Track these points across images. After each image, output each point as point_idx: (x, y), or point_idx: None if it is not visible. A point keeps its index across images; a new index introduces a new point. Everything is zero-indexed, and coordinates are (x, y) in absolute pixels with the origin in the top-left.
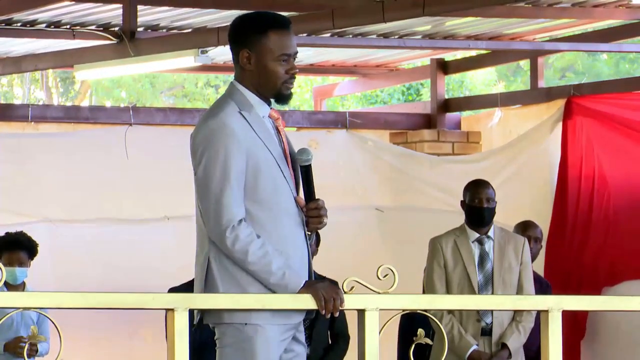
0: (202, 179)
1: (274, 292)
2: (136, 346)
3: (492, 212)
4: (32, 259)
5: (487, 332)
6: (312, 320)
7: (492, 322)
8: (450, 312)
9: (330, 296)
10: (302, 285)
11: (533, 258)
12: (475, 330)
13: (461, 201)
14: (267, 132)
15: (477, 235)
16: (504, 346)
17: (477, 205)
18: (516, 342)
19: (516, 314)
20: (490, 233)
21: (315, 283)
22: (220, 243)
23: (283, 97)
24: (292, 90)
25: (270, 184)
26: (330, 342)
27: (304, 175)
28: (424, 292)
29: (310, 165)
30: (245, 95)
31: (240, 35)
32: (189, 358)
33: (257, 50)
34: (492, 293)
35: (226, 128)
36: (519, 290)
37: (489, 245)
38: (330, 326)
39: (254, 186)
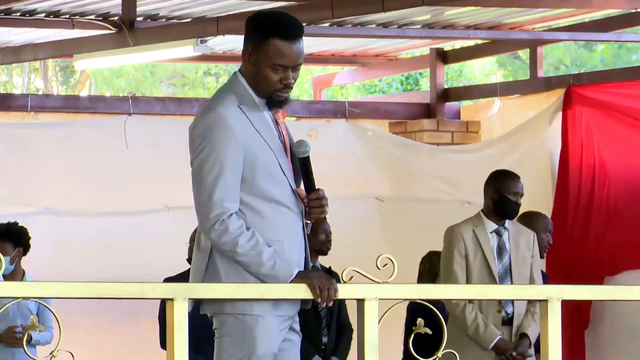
0: (197, 172)
1: (264, 282)
2: (136, 336)
3: (519, 207)
4: (24, 248)
5: (506, 322)
6: (328, 309)
7: (512, 312)
8: (470, 301)
9: (325, 286)
10: (293, 274)
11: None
12: (495, 320)
13: (488, 188)
14: (266, 125)
15: (495, 226)
16: (524, 336)
17: (512, 200)
18: (535, 332)
19: (529, 305)
20: (506, 224)
21: (309, 273)
22: (208, 235)
23: (274, 103)
24: (288, 96)
25: (268, 177)
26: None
27: (302, 166)
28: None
29: (308, 157)
30: (245, 88)
31: (249, 32)
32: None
33: (257, 52)
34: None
35: (223, 123)
36: (530, 283)
37: (505, 237)
38: (337, 317)
39: (252, 179)
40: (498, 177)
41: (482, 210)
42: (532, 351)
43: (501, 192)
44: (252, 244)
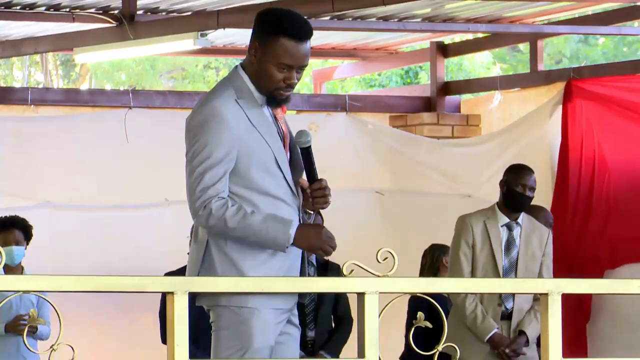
0: (189, 163)
1: (266, 248)
2: (136, 329)
3: (531, 200)
4: (28, 240)
5: (506, 316)
6: (317, 303)
7: (512, 307)
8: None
9: (328, 246)
10: (291, 234)
11: None
12: (495, 314)
13: (501, 181)
14: (264, 120)
15: (507, 220)
16: (522, 333)
17: (521, 192)
18: (534, 331)
19: (535, 302)
20: (519, 220)
21: (309, 237)
22: (198, 224)
23: (274, 101)
24: (289, 96)
25: (264, 171)
26: (333, 325)
27: (304, 157)
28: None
29: (309, 147)
30: (245, 82)
31: (258, 28)
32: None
33: (264, 48)
34: None
35: (218, 116)
36: None
37: (516, 232)
38: (334, 309)
39: (247, 173)
40: (509, 170)
41: (497, 204)
42: (530, 349)
43: (509, 185)
44: (240, 216)
